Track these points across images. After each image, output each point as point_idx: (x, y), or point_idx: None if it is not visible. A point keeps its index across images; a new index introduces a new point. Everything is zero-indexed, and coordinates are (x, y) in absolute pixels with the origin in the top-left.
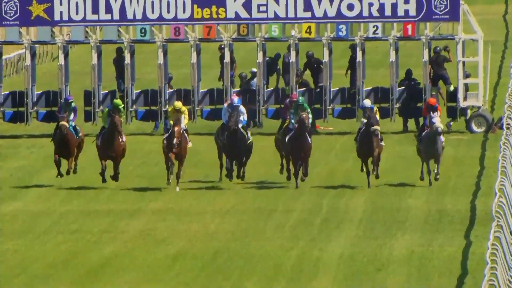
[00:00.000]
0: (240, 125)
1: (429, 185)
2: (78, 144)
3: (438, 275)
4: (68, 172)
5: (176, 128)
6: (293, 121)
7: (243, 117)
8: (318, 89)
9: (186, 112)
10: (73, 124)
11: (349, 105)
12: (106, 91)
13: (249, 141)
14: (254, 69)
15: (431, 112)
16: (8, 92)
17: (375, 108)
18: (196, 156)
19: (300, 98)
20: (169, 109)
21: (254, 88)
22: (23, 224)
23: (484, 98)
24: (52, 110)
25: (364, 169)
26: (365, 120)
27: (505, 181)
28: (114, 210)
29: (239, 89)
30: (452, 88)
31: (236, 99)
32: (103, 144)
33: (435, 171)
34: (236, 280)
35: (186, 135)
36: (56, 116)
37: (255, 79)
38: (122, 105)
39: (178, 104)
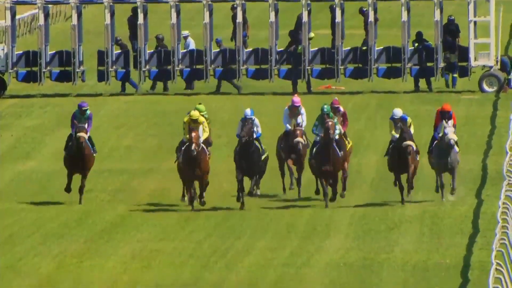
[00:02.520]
0: (254, 136)
1: (441, 199)
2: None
3: (449, 234)
4: (80, 191)
5: (193, 134)
6: (317, 132)
7: (257, 129)
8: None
9: (206, 124)
10: (88, 135)
11: (360, 65)
12: (119, 51)
13: (263, 156)
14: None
15: (445, 121)
16: (21, 52)
17: (409, 120)
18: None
19: (325, 106)
20: (184, 120)
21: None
22: (37, 183)
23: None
24: (66, 70)
25: (397, 183)
26: (396, 135)
27: None
28: (128, 170)
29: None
30: (454, 58)
31: (249, 111)
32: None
33: (451, 186)
34: (248, 239)
35: (205, 148)
36: (72, 125)
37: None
38: (205, 111)
39: (195, 113)
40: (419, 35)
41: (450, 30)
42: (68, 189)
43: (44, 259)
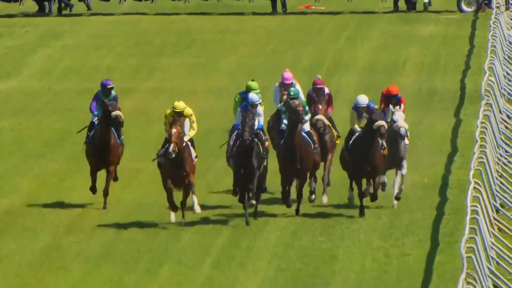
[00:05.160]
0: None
1: (397, 203)
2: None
3: (428, 153)
4: (105, 193)
5: (173, 131)
6: (285, 121)
7: (260, 119)
8: None
9: (194, 117)
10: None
11: None
12: None
13: (264, 162)
14: None
15: (392, 106)
16: None
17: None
18: (189, 36)
19: (292, 89)
20: (167, 112)
21: None
22: (19, 102)
23: None
24: None
25: (356, 188)
26: (358, 129)
27: (494, 60)
28: None
29: None
30: None
31: (255, 96)
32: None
33: (397, 187)
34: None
35: (191, 148)
36: (93, 109)
37: None
38: (258, 89)
39: (180, 104)
40: None
41: None
42: (93, 189)
43: (25, 178)
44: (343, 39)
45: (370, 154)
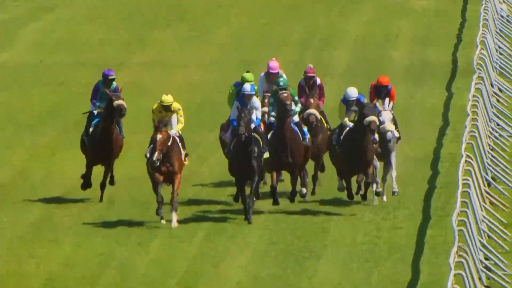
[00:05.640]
0: (252, 126)
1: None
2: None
3: (420, 127)
4: (103, 186)
5: (158, 137)
6: (273, 113)
7: (257, 113)
8: None
9: (182, 112)
10: None
11: None
12: None
13: (265, 155)
14: None
15: (380, 103)
16: None
17: (367, 101)
18: (181, 9)
19: (281, 80)
20: (154, 107)
21: None
22: (10, 75)
23: None
24: None
25: (346, 189)
26: (350, 123)
27: (486, 34)
28: (100, 62)
29: None
30: None
31: (249, 86)
32: (234, 158)
33: (392, 185)
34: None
35: (180, 144)
36: (93, 101)
37: None
38: (252, 81)
39: (168, 98)
40: None
41: None
42: (88, 183)
43: (17, 150)
44: (335, 12)
45: (362, 150)
